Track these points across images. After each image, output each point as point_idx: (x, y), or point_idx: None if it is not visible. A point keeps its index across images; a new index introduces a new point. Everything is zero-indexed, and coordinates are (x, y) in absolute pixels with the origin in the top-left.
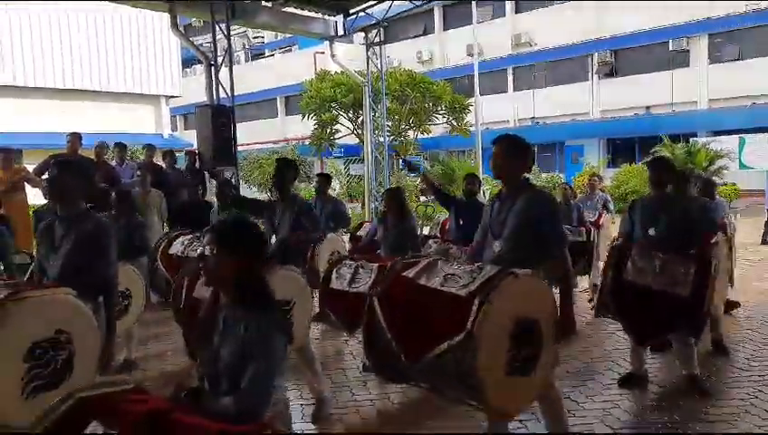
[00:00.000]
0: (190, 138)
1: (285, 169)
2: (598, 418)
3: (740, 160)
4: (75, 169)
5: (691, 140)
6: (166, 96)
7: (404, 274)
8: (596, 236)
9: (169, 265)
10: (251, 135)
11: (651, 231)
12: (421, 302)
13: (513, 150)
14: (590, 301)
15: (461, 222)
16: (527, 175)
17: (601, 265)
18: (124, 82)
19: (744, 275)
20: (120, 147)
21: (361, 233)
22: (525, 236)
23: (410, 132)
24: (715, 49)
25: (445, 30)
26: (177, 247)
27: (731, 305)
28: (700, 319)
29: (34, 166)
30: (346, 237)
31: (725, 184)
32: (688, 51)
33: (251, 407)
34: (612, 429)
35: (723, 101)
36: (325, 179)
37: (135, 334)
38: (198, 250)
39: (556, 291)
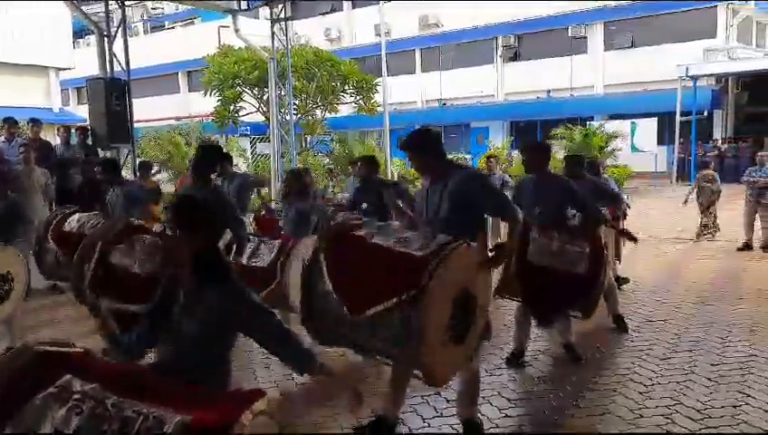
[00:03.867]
0: (83, 113)
1: (209, 155)
2: (495, 390)
3: (632, 143)
4: None
5: (588, 123)
6: (56, 68)
7: (354, 232)
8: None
9: (62, 242)
10: (152, 111)
11: (541, 207)
12: (372, 258)
13: (419, 149)
14: None
15: (364, 205)
16: (448, 158)
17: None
18: (8, 52)
19: (633, 252)
20: (11, 122)
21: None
22: (461, 215)
23: (318, 111)
24: (610, 36)
25: (353, 8)
26: (71, 224)
27: (621, 281)
28: (595, 297)
29: None
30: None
31: (617, 166)
32: (586, 37)
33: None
34: (509, 400)
35: (617, 86)
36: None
37: (18, 321)
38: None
39: None
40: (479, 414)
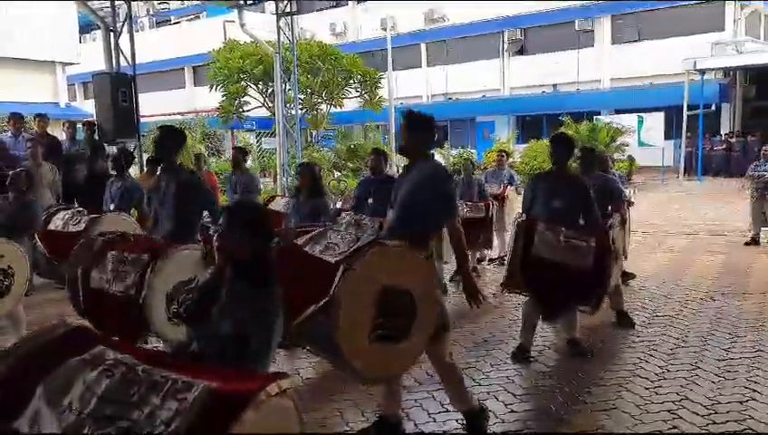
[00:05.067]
0: (90, 108)
1: (168, 139)
2: (502, 386)
3: (638, 138)
4: None
5: (594, 118)
6: (62, 63)
7: (297, 241)
8: (494, 212)
9: (48, 242)
10: (158, 106)
11: (556, 203)
12: (301, 268)
13: (414, 125)
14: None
15: (370, 200)
16: (432, 150)
17: (507, 236)
18: (15, 47)
19: (639, 247)
20: (17, 118)
21: (273, 207)
22: (412, 206)
23: (323, 106)
24: (617, 30)
25: (358, 3)
26: (56, 223)
27: (627, 276)
28: (602, 291)
29: None
30: None
31: (624, 160)
32: (593, 31)
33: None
34: (514, 395)
35: (624, 80)
36: (241, 153)
37: (23, 316)
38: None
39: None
40: (482, 405)
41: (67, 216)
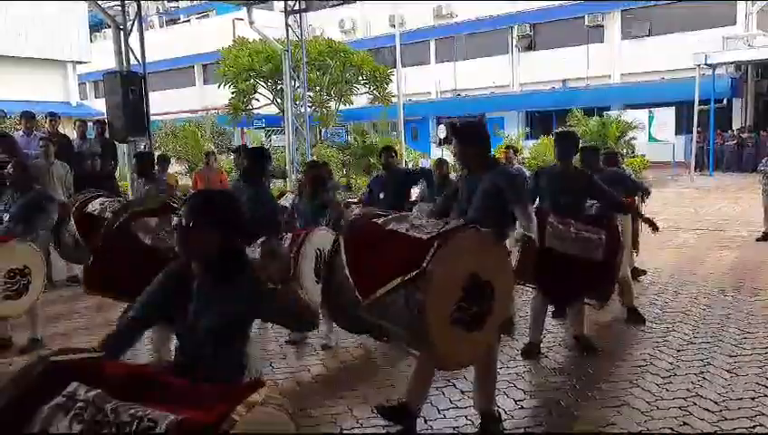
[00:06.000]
0: (101, 107)
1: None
2: (511, 382)
3: (649, 133)
4: None
5: (604, 113)
6: (73, 62)
7: (373, 220)
8: None
9: (82, 224)
10: (169, 104)
11: (563, 198)
12: (385, 243)
13: (467, 140)
14: None
15: (381, 195)
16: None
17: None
18: (27, 47)
19: (650, 243)
20: (28, 116)
21: (282, 202)
22: (490, 210)
23: (332, 103)
24: (627, 25)
25: None
26: (95, 206)
27: (637, 272)
28: (610, 284)
29: None
30: None
31: (635, 156)
32: (603, 26)
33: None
34: (524, 391)
35: (634, 75)
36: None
37: (39, 313)
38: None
39: None
40: (498, 409)
41: (106, 202)
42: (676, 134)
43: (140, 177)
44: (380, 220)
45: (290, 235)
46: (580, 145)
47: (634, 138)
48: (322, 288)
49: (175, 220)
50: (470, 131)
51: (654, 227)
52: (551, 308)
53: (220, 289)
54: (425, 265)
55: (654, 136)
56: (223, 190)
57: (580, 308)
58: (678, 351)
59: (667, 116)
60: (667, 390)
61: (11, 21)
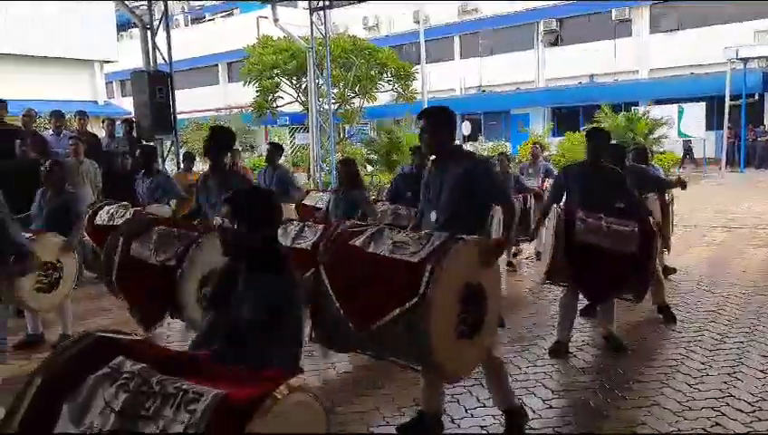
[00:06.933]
0: (127, 105)
1: (216, 139)
2: (539, 382)
3: (678, 129)
4: None
5: (633, 108)
6: (100, 61)
7: (351, 242)
8: (532, 203)
9: (95, 236)
10: (193, 102)
11: (592, 194)
12: (370, 269)
13: (437, 122)
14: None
15: (408, 194)
16: (456, 142)
17: (544, 231)
18: (56, 47)
19: (681, 241)
20: (58, 116)
21: (307, 202)
22: (461, 203)
23: (355, 100)
24: (656, 19)
25: None
26: (102, 217)
27: (668, 271)
28: (646, 278)
29: None
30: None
31: (664, 152)
32: (630, 20)
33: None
34: (552, 391)
35: (663, 70)
36: (275, 148)
37: (69, 309)
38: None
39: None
40: (522, 404)
41: (112, 210)
42: (706, 130)
43: (142, 168)
44: (358, 241)
45: (321, 226)
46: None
47: (665, 136)
48: (312, 315)
49: (217, 219)
50: (443, 113)
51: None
52: (579, 306)
53: (259, 283)
54: (422, 291)
55: (684, 131)
56: (260, 189)
57: (610, 306)
58: (710, 350)
59: (697, 111)
60: (699, 390)
61: (39, 21)
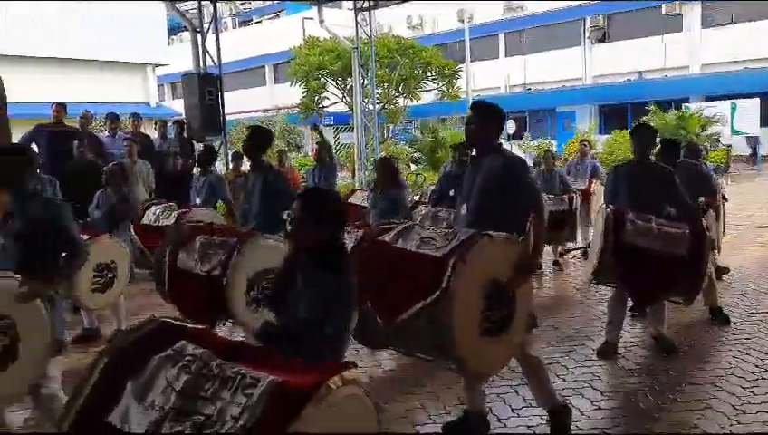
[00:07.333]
0: (178, 107)
1: (256, 138)
2: (587, 383)
3: (732, 126)
4: (17, 153)
5: (683, 105)
6: (152, 64)
7: (380, 238)
8: (578, 203)
9: (142, 235)
10: (240, 103)
11: (640, 194)
12: (397, 264)
13: (484, 116)
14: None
15: (451, 193)
16: (500, 141)
17: (591, 230)
18: (110, 51)
19: (733, 241)
20: (113, 118)
21: (353, 200)
22: (490, 202)
23: (400, 100)
24: (708, 13)
25: None
26: (149, 217)
27: (721, 271)
28: (698, 280)
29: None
30: None
31: (717, 150)
32: (681, 15)
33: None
34: (601, 392)
35: (715, 65)
36: (324, 148)
37: (123, 306)
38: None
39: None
40: (569, 405)
41: (158, 210)
42: (761, 126)
43: (199, 167)
44: (387, 237)
45: (360, 230)
46: (662, 138)
47: (718, 133)
48: None
49: (285, 214)
50: (492, 110)
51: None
52: (628, 307)
53: (318, 281)
54: (444, 285)
55: (737, 128)
56: (330, 190)
57: (660, 307)
58: (765, 353)
59: (750, 107)
60: (754, 393)
61: (95, 27)
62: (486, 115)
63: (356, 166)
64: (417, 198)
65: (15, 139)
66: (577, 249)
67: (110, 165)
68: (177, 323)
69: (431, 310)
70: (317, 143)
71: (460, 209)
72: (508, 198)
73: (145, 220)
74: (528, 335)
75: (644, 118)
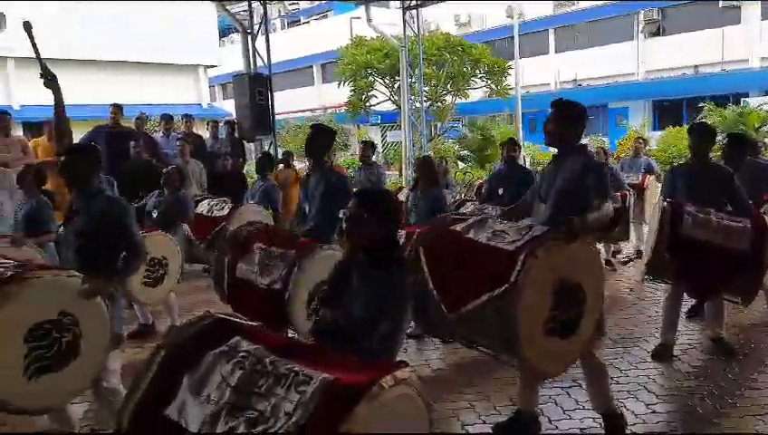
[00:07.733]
0: (228, 107)
1: (318, 138)
2: (641, 385)
3: None
4: (83, 153)
5: (742, 100)
6: (204, 66)
7: (452, 227)
8: (632, 202)
9: (195, 226)
10: (288, 103)
11: (699, 194)
12: (466, 254)
13: (565, 116)
14: (626, 262)
15: (500, 191)
16: (582, 141)
17: (645, 228)
18: (163, 53)
19: None
20: (167, 119)
21: (401, 198)
22: (569, 202)
23: (448, 97)
24: None
25: None
26: (202, 207)
27: None
28: (757, 278)
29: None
30: None
31: None
32: (740, 7)
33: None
34: (656, 395)
35: None
36: (369, 147)
37: (175, 302)
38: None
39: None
40: (624, 408)
41: (213, 202)
42: None
43: (257, 173)
44: (459, 227)
45: (403, 232)
46: (729, 133)
47: None
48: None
49: (341, 213)
50: (574, 109)
51: None
52: (684, 308)
53: (373, 280)
54: (513, 279)
55: None
56: (384, 189)
57: (718, 307)
58: None
59: None
60: None
61: (148, 30)
62: (568, 114)
63: (403, 164)
64: (463, 195)
65: (76, 140)
66: (628, 259)
67: (169, 168)
68: (232, 319)
69: (498, 302)
70: (361, 142)
71: (538, 208)
72: (582, 198)
73: (198, 210)
74: (594, 339)
75: (701, 115)
